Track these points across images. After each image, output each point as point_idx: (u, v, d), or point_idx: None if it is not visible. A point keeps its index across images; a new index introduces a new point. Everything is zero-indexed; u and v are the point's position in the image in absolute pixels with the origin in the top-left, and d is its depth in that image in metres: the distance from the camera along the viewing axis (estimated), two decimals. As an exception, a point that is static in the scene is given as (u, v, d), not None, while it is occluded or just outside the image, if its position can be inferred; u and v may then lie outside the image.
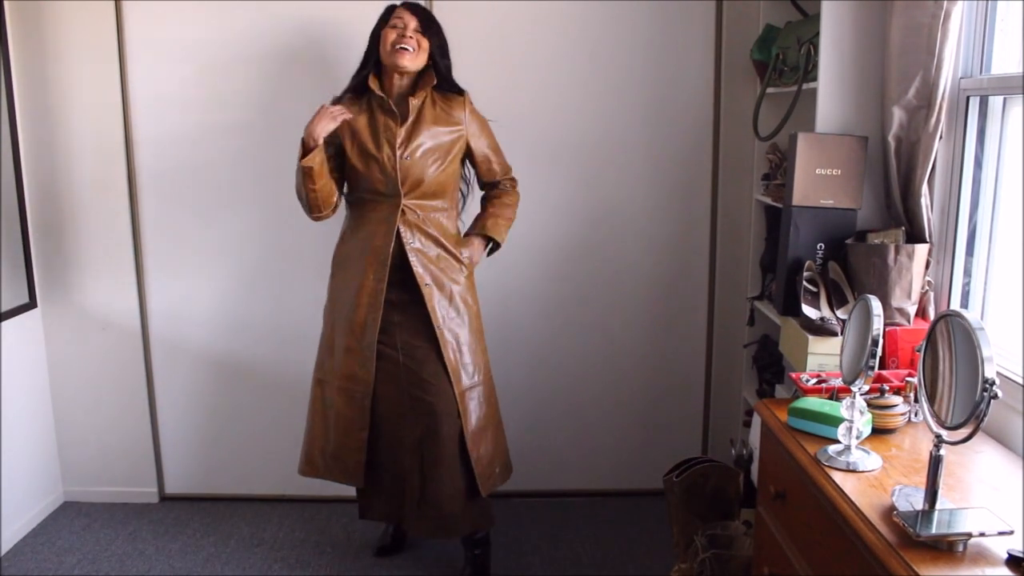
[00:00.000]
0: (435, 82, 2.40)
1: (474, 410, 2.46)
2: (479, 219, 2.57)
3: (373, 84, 2.36)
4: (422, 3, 2.76)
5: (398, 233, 2.37)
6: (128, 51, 2.84)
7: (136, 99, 2.88)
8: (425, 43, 2.35)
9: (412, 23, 2.34)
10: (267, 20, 2.82)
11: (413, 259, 2.39)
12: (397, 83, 2.38)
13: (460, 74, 2.47)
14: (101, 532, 2.94)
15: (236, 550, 2.82)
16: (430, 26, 2.37)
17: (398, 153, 2.35)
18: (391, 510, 2.58)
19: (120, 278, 3.00)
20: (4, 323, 2.80)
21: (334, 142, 2.40)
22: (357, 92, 2.42)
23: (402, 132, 2.36)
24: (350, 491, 2.77)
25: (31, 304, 2.96)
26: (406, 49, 2.31)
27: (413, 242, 2.39)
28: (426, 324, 2.41)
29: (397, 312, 2.42)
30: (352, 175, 2.42)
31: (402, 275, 2.40)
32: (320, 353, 2.56)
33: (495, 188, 2.60)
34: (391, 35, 2.32)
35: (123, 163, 2.92)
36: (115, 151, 2.91)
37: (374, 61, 2.38)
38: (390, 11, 2.39)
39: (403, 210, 2.38)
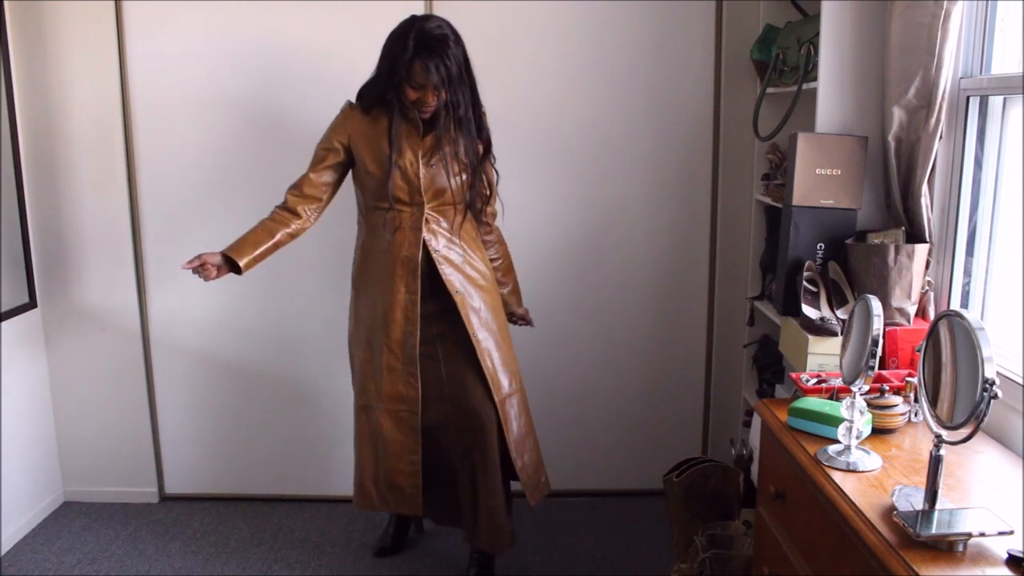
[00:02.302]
0: None
1: (514, 418, 2.43)
2: (512, 292, 2.65)
3: (393, 97, 2.27)
4: (421, 4, 2.76)
5: (424, 241, 2.32)
6: (128, 51, 2.84)
7: (136, 99, 2.88)
8: (445, 95, 2.24)
9: (431, 92, 2.22)
10: (267, 20, 2.82)
11: (443, 267, 2.34)
12: None
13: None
14: (101, 532, 2.94)
15: (236, 550, 2.82)
16: (450, 83, 2.22)
17: (422, 161, 2.31)
18: (452, 517, 2.58)
19: (120, 278, 2.99)
20: (4, 323, 2.80)
21: (340, 148, 2.36)
22: (372, 101, 2.34)
23: (427, 140, 2.31)
24: (351, 491, 2.76)
25: (31, 304, 2.95)
26: (427, 112, 2.26)
27: (440, 249, 2.35)
28: (461, 333, 2.37)
29: (435, 323, 2.38)
30: (370, 183, 2.34)
31: (431, 284, 2.35)
32: (358, 378, 2.48)
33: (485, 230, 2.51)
34: (412, 94, 2.24)
35: (123, 163, 2.92)
36: (115, 151, 2.91)
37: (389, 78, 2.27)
38: (410, 61, 2.19)
39: (427, 218, 2.34)
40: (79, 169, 2.93)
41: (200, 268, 2.25)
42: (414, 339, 2.36)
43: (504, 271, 2.61)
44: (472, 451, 2.41)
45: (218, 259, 2.28)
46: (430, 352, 2.40)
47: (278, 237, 2.35)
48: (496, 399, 2.39)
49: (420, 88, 2.23)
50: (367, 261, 2.42)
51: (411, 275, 2.33)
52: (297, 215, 2.38)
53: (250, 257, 2.30)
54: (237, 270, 2.29)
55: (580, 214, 2.98)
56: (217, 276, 2.28)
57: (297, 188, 2.40)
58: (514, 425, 2.43)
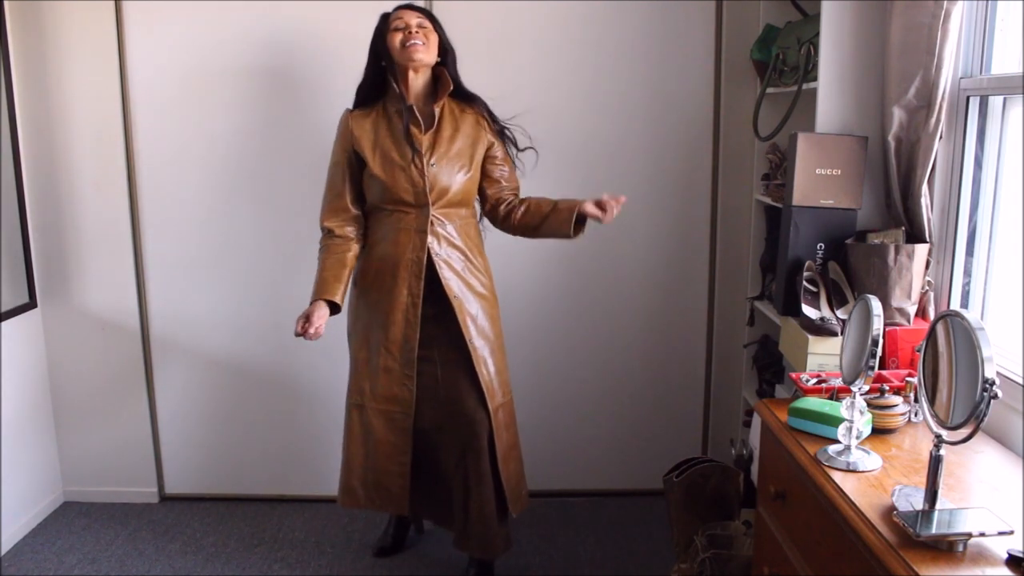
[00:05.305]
0: (451, 87, 2.34)
1: (504, 428, 2.43)
2: (557, 203, 2.41)
3: (394, 87, 2.30)
4: (421, 3, 2.77)
5: (427, 245, 2.32)
6: (128, 51, 2.84)
7: (136, 99, 2.88)
8: (433, 36, 2.31)
9: (414, 20, 2.29)
10: (267, 21, 2.82)
11: (442, 271, 2.34)
12: (413, 88, 2.32)
13: (460, 75, 2.46)
14: (101, 532, 2.94)
15: (236, 550, 2.82)
16: (432, 20, 2.34)
17: (425, 160, 2.31)
18: (442, 516, 2.58)
19: (120, 278, 2.99)
20: (4, 323, 2.80)
21: (347, 159, 2.38)
22: (368, 103, 2.38)
23: (427, 139, 2.31)
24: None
25: (31, 304, 2.95)
26: (416, 43, 2.27)
27: (441, 253, 2.34)
28: (456, 337, 2.37)
29: (432, 325, 2.37)
30: (374, 186, 2.35)
31: (430, 287, 2.35)
32: (354, 377, 2.48)
33: (505, 204, 2.46)
34: (397, 36, 2.27)
35: (123, 163, 2.92)
36: (115, 151, 2.91)
37: (381, 70, 2.34)
38: (387, 17, 2.34)
39: (432, 221, 2.33)
40: (79, 169, 2.93)
41: (311, 330, 2.27)
42: (413, 342, 2.36)
43: (538, 202, 2.45)
44: (466, 456, 2.41)
45: (324, 310, 2.31)
46: (426, 355, 2.40)
47: (350, 263, 2.39)
48: (490, 407, 2.38)
49: (402, 25, 2.27)
50: (371, 260, 2.42)
51: (415, 278, 2.33)
52: (348, 238, 2.41)
53: (340, 292, 2.35)
54: (335, 309, 2.35)
55: (580, 214, 2.98)
56: (322, 324, 2.31)
57: (332, 214, 2.42)
58: (504, 434, 2.43)
